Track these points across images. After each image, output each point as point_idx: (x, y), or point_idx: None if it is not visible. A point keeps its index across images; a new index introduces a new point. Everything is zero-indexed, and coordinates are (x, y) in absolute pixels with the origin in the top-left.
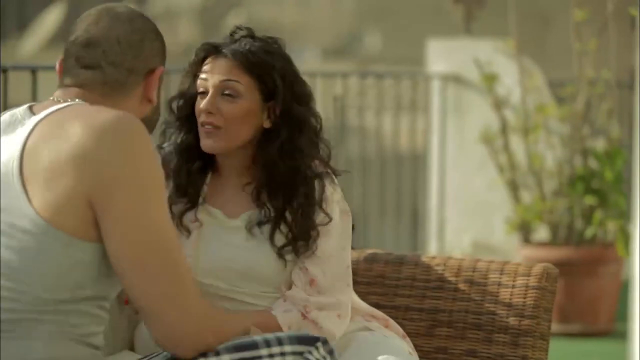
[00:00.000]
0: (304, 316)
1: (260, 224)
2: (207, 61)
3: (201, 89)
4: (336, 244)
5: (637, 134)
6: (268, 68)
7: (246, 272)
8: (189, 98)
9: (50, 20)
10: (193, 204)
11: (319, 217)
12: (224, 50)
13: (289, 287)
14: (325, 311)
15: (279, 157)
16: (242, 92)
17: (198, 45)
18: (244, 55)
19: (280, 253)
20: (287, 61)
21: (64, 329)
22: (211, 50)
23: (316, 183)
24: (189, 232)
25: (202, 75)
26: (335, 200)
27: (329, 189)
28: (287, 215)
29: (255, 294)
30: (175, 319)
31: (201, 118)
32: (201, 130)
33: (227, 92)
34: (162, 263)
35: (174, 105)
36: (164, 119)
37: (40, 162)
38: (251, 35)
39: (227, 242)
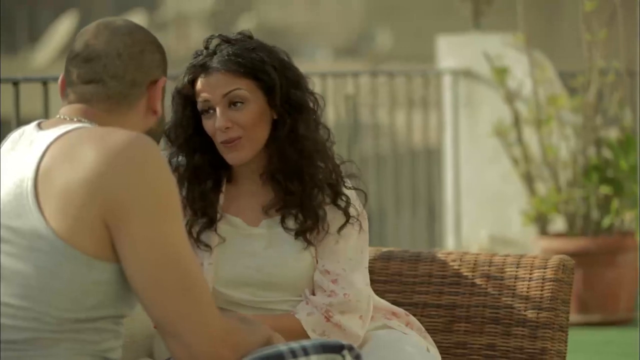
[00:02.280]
0: (327, 319)
1: (276, 207)
2: (198, 82)
3: (203, 109)
4: (355, 246)
5: None
6: (260, 64)
7: (268, 281)
8: (186, 123)
9: (61, 30)
10: (212, 221)
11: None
12: (211, 65)
13: (312, 292)
14: (347, 314)
15: (288, 144)
16: (247, 96)
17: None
18: (233, 62)
19: (297, 234)
20: (271, 51)
21: (83, 346)
22: (198, 70)
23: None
24: (210, 248)
25: (201, 97)
26: (352, 200)
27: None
28: (296, 197)
29: (278, 301)
30: (193, 338)
31: (219, 137)
32: (224, 149)
33: (234, 102)
34: (179, 283)
35: (172, 135)
36: (163, 146)
37: (55, 186)
38: (226, 40)
39: (248, 251)
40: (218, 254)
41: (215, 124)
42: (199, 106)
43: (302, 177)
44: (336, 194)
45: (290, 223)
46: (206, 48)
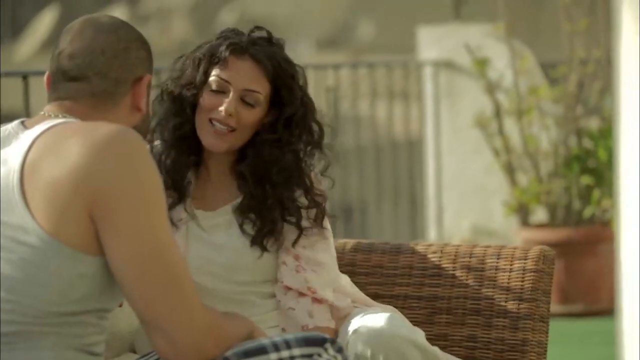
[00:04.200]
0: (315, 300)
1: (237, 210)
2: (231, 58)
3: (217, 85)
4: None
5: (619, 112)
6: (289, 79)
7: (229, 264)
8: (199, 88)
9: (43, 24)
10: (180, 198)
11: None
12: (251, 52)
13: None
14: (327, 289)
15: (267, 147)
16: (260, 102)
17: (192, 42)
18: (271, 64)
19: (253, 241)
20: (298, 69)
21: (67, 340)
22: (237, 50)
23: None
24: (176, 227)
25: (225, 75)
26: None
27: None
28: (259, 204)
29: (246, 290)
30: (178, 331)
31: (216, 115)
32: (208, 128)
33: (247, 99)
34: (164, 276)
35: (178, 91)
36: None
37: (41, 179)
38: (269, 38)
39: (214, 237)
40: (186, 241)
41: (224, 106)
42: (214, 79)
43: (264, 185)
44: (284, 211)
45: (248, 228)
46: (249, 34)
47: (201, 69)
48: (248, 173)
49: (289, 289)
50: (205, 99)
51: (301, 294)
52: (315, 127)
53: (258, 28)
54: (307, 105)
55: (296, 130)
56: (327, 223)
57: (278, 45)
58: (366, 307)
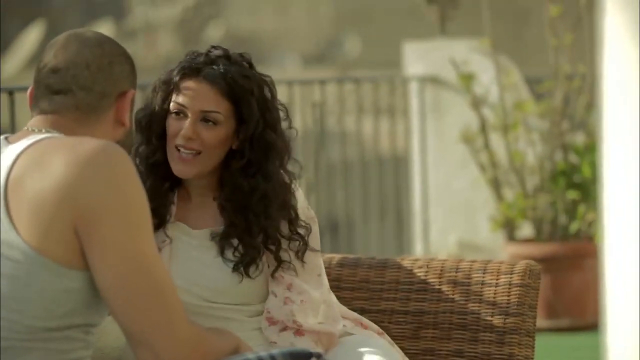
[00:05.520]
0: (298, 332)
1: (219, 238)
2: (185, 83)
3: (176, 111)
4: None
5: (603, 127)
6: (247, 95)
7: (215, 288)
8: (160, 117)
9: (29, 40)
10: (162, 222)
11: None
12: (204, 74)
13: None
14: (314, 317)
15: (242, 177)
16: (221, 120)
17: (178, 57)
18: (225, 82)
19: (234, 268)
20: (261, 83)
21: (54, 355)
22: (189, 73)
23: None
24: (159, 250)
25: (180, 99)
26: (300, 209)
27: (298, 203)
28: (242, 231)
29: (230, 308)
30: (163, 345)
31: (179, 141)
32: (175, 154)
33: (207, 119)
34: (149, 290)
35: (144, 122)
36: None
37: (25, 195)
38: (226, 55)
39: (196, 258)
40: (168, 262)
41: (182, 130)
42: (173, 105)
43: (247, 213)
44: (267, 238)
45: (229, 254)
46: (206, 54)
47: (159, 97)
48: (228, 203)
49: (273, 322)
50: (169, 126)
51: (284, 328)
52: (279, 142)
53: (215, 48)
54: (267, 120)
55: (259, 148)
56: (318, 244)
57: (238, 62)
58: (354, 333)
